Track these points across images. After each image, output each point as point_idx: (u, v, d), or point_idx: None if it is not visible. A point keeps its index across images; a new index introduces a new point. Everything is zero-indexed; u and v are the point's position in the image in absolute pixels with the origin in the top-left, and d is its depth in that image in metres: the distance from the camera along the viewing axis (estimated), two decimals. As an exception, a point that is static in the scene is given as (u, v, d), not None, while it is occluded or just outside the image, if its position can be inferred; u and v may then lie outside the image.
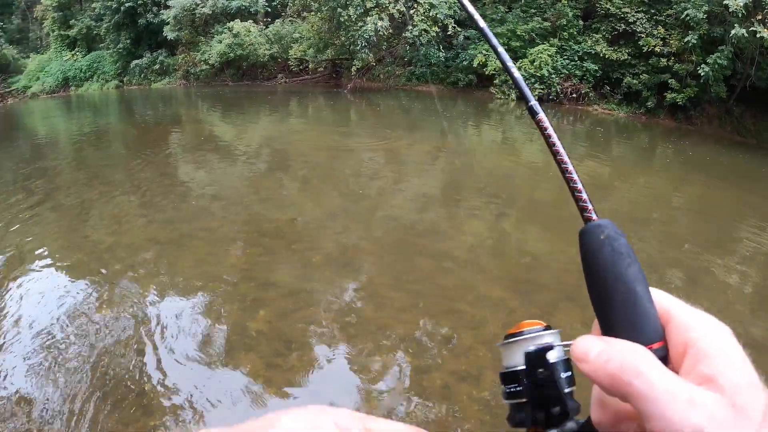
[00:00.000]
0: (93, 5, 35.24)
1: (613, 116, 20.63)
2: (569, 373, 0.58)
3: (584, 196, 0.55)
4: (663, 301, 0.49)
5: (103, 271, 6.84)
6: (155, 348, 5.19)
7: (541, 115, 0.59)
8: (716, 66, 17.32)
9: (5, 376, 4.81)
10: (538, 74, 21.41)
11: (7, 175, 12.10)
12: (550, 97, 21.59)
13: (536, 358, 0.57)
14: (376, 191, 10.25)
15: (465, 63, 23.44)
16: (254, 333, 5.40)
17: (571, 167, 0.57)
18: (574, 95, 21.62)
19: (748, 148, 17.01)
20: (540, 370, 0.57)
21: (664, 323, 0.48)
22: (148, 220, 8.64)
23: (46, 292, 6.39)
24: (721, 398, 0.40)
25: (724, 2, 16.27)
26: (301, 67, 29.25)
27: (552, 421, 0.56)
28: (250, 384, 4.61)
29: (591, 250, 0.51)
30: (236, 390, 4.54)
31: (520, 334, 0.60)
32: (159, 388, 4.62)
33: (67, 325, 5.61)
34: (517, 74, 0.65)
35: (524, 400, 0.57)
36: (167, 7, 30.29)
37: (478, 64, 22.30)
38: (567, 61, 21.63)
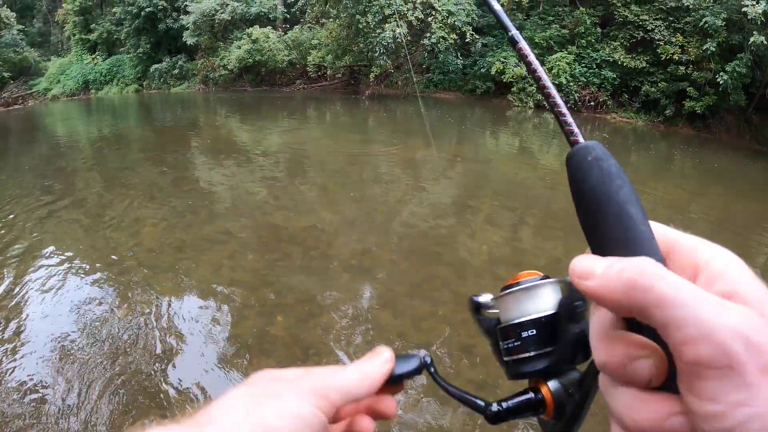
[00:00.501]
0: (114, 10, 35.67)
1: (631, 124, 20.53)
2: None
3: (569, 119, 0.52)
4: (666, 232, 0.45)
5: (122, 272, 6.93)
6: (171, 350, 5.25)
7: (522, 44, 0.58)
8: (735, 74, 17.18)
9: (21, 374, 4.89)
10: (556, 82, 21.32)
11: (27, 176, 12.28)
12: (568, 105, 21.31)
13: (568, 303, 0.56)
14: (393, 198, 10.27)
15: (483, 70, 23.44)
16: (272, 338, 5.43)
17: (554, 92, 0.54)
18: (592, 103, 21.53)
19: (767, 157, 16.84)
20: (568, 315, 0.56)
21: (667, 252, 0.44)
22: (167, 224, 8.72)
23: (64, 291, 6.50)
24: (749, 309, 0.36)
25: (743, 9, 16.16)
26: (319, 73, 29.41)
27: (555, 371, 0.57)
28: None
29: (578, 174, 0.48)
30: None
31: (527, 281, 0.59)
32: (173, 390, 4.67)
33: (84, 326, 5.70)
34: (497, 7, 0.63)
35: (531, 353, 0.57)
36: (187, 12, 30.57)
37: (496, 71, 22.30)
38: (585, 68, 21.56)
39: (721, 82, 17.48)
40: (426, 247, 7.83)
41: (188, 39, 30.54)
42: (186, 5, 30.83)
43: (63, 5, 39.37)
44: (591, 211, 0.46)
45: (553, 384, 0.57)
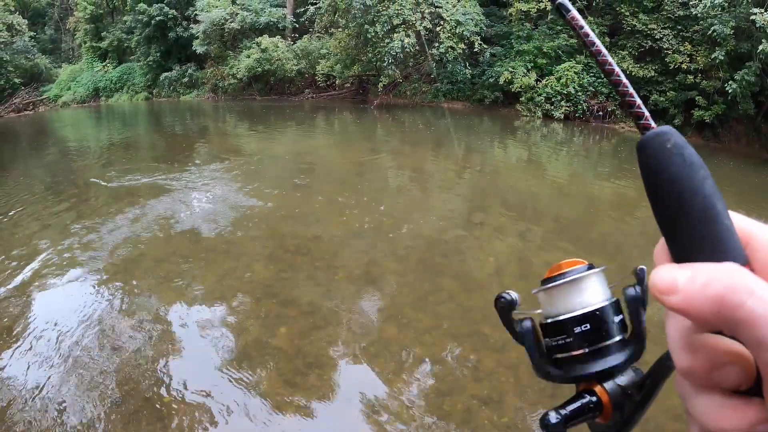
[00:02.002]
0: (124, 18, 36.04)
1: (639, 134, 20.40)
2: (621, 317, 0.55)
3: (637, 101, 0.47)
4: (741, 221, 0.41)
5: (126, 280, 6.94)
6: (174, 359, 5.24)
7: (573, 12, 0.48)
8: (744, 82, 17.07)
9: (27, 380, 4.89)
10: (564, 92, 21.32)
11: (36, 181, 12.33)
12: (577, 114, 21.45)
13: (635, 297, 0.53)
14: (400, 208, 10.25)
15: (491, 80, 23.41)
16: (274, 350, 5.41)
17: (617, 68, 0.47)
18: (601, 113, 21.45)
19: (777, 166, 16.74)
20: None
21: (744, 245, 0.40)
22: (173, 232, 8.73)
23: (70, 299, 6.52)
24: None
25: (752, 17, 16.07)
26: (328, 82, 29.51)
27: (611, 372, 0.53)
28: (267, 401, 4.62)
29: (656, 163, 0.42)
30: (253, 406, 4.55)
31: (575, 270, 0.55)
32: (175, 399, 4.65)
33: (89, 334, 5.70)
34: None
35: (584, 350, 0.53)
36: (197, 21, 30.80)
37: (505, 81, 22.28)
38: (593, 78, 21.50)
39: (729, 91, 17.38)
40: (432, 258, 7.80)
41: (198, 48, 30.74)
42: (196, 14, 31.06)
43: (74, 13, 39.82)
44: (672, 207, 0.41)
45: (609, 385, 0.53)
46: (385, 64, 23.53)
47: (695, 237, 0.40)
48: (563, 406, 0.54)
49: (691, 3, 18.99)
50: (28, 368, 5.13)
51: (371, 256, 7.83)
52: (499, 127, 21.07)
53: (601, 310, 0.53)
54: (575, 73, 21.36)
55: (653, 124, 0.45)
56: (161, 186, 11.62)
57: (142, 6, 32.50)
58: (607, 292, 0.55)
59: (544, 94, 21.74)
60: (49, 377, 4.97)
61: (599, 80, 21.40)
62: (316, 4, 26.95)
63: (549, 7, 21.77)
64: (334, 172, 13.53)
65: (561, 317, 0.54)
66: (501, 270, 7.51)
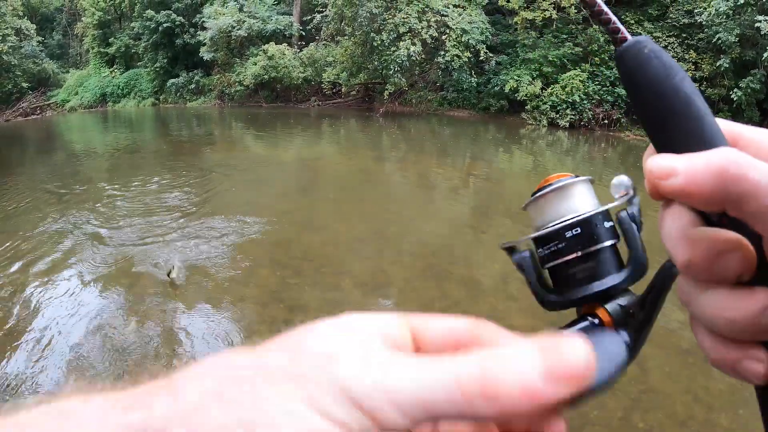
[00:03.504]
0: (132, 25, 36.31)
1: (645, 142, 19.62)
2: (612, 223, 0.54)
3: (612, 17, 0.46)
4: (727, 125, 0.42)
5: (131, 285, 6.98)
6: (176, 366, 5.26)
7: None
8: (749, 90, 17.14)
9: (32, 383, 4.94)
10: (569, 100, 21.37)
11: (43, 184, 12.39)
12: (582, 123, 21.48)
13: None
14: (406, 215, 10.29)
15: (497, 88, 23.49)
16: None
17: None
18: (606, 121, 21.47)
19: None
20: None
21: (733, 144, 0.41)
22: (179, 236, 8.76)
23: (75, 302, 6.52)
24: None
25: (756, 25, 16.13)
26: (334, 90, 29.64)
27: (612, 293, 0.52)
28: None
29: (636, 67, 0.43)
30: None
31: (562, 180, 0.55)
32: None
33: (95, 338, 5.73)
34: None
35: (576, 253, 0.52)
36: (204, 28, 31.01)
37: (510, 89, 22.35)
38: (599, 86, 21.55)
39: (735, 99, 17.45)
40: (438, 264, 7.83)
41: (205, 54, 30.93)
42: (203, 21, 31.28)
43: (82, 19, 40.14)
44: (656, 106, 0.42)
45: (611, 306, 0.52)
46: (390, 72, 23.63)
47: (681, 133, 0.41)
48: (564, 328, 0.54)
49: (695, 11, 19.11)
50: (30, 368, 5.18)
51: (377, 263, 7.86)
52: (504, 136, 21.09)
53: (591, 215, 0.53)
54: (581, 81, 21.41)
55: (628, 36, 0.45)
56: (165, 191, 11.67)
57: (150, 12, 32.77)
58: (596, 200, 0.55)
59: (550, 103, 21.79)
60: (51, 380, 5.02)
61: (604, 89, 21.46)
62: (322, 12, 27.14)
63: (555, 16, 21.87)
64: (340, 179, 13.58)
65: (552, 224, 0.54)
66: (507, 276, 7.53)
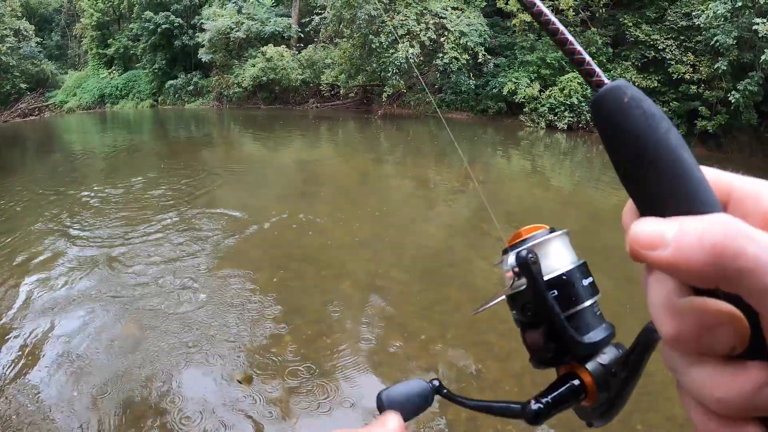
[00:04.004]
0: (131, 26, 36.32)
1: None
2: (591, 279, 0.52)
3: (587, 58, 0.43)
4: (717, 176, 0.39)
5: (128, 287, 6.99)
6: (179, 366, 5.28)
7: None
8: (746, 92, 17.16)
9: (29, 386, 4.96)
10: (567, 102, 21.42)
11: (40, 187, 12.39)
12: (580, 125, 21.53)
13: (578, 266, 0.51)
14: (405, 218, 10.31)
15: (495, 91, 23.53)
16: (280, 357, 5.45)
17: (561, 27, 0.44)
18: (604, 123, 21.50)
19: (780, 177, 16.76)
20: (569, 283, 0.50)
21: (725, 201, 0.38)
22: (178, 240, 8.79)
23: (73, 306, 6.55)
24: None
25: (754, 27, 16.17)
26: (332, 92, 29.68)
27: (590, 349, 0.50)
28: (272, 408, 4.67)
29: (614, 119, 0.38)
30: (257, 412, 4.61)
31: (534, 237, 0.53)
32: (179, 406, 4.70)
33: (92, 341, 5.76)
34: None
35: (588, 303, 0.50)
36: (203, 30, 30.99)
37: (508, 92, 22.39)
38: (597, 89, 21.59)
39: (732, 101, 17.45)
40: (437, 268, 7.86)
41: (203, 56, 30.93)
42: (202, 23, 31.27)
43: (81, 20, 40.12)
44: (638, 163, 0.38)
45: (591, 365, 0.50)
46: (389, 75, 23.65)
47: (667, 193, 0.37)
48: (544, 393, 0.52)
49: (693, 13, 19.14)
50: (27, 373, 5.20)
51: (377, 266, 7.89)
52: (502, 138, 21.15)
53: (569, 273, 0.51)
54: (579, 83, 21.44)
55: (606, 80, 0.42)
56: (164, 193, 11.69)
57: (149, 14, 32.77)
58: (573, 255, 0.52)
59: (548, 105, 21.85)
60: (49, 383, 5.05)
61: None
62: (321, 14, 27.11)
63: (553, 19, 21.89)
64: (339, 181, 13.62)
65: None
66: (505, 280, 7.56)
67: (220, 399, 4.82)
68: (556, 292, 0.50)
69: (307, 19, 29.87)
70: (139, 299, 6.75)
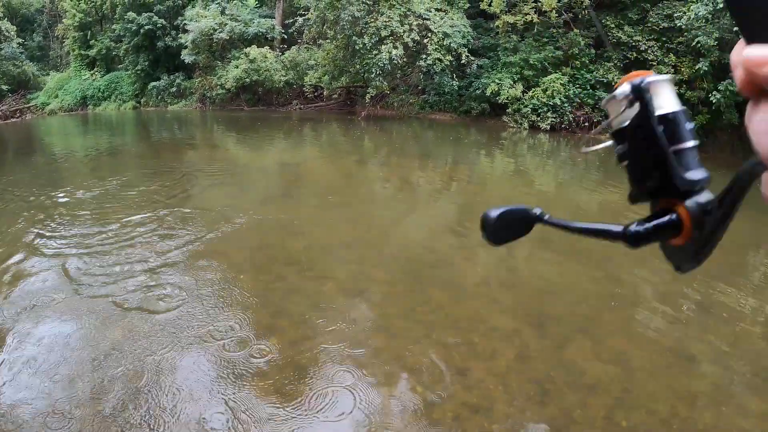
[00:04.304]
0: (113, 27, 36.04)
1: None
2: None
3: None
4: None
5: (113, 293, 6.89)
6: (163, 372, 5.21)
7: None
8: (727, 92, 17.32)
9: (17, 391, 4.87)
10: (550, 103, 21.54)
11: (23, 191, 12.24)
12: (563, 126, 21.66)
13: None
14: (388, 219, 10.30)
15: (478, 92, 23.60)
16: (264, 360, 5.41)
17: None
18: (587, 124, 21.65)
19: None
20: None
21: None
22: (160, 245, 8.70)
23: (56, 314, 6.43)
24: None
25: (735, 29, 16.30)
26: (315, 93, 29.66)
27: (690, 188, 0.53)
28: (258, 411, 4.63)
29: None
30: (242, 417, 4.56)
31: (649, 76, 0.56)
32: (165, 411, 4.64)
33: (78, 346, 5.66)
34: None
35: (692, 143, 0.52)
36: (186, 31, 30.87)
37: (491, 92, 22.47)
38: (579, 89, 21.75)
39: (714, 101, 17.63)
40: (421, 269, 7.83)
41: (186, 57, 30.79)
42: (185, 24, 31.14)
43: (63, 20, 39.80)
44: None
45: (689, 202, 0.54)
46: (372, 76, 23.66)
47: None
48: (643, 221, 0.55)
49: (675, 15, 19.31)
50: (11, 378, 5.11)
51: (360, 267, 7.86)
52: (486, 139, 21.21)
53: (675, 114, 0.55)
54: (561, 84, 21.59)
55: None
56: (146, 197, 11.59)
57: (132, 15, 32.56)
58: (677, 100, 0.56)
59: (531, 106, 21.96)
60: (35, 392, 4.96)
61: (585, 92, 21.67)
62: (304, 15, 27.07)
63: (536, 20, 22.03)
64: (322, 182, 13.57)
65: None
66: (489, 280, 7.57)
67: (203, 403, 4.76)
68: (662, 128, 0.54)
69: (291, 21, 29.81)
70: (113, 301, 6.66)
